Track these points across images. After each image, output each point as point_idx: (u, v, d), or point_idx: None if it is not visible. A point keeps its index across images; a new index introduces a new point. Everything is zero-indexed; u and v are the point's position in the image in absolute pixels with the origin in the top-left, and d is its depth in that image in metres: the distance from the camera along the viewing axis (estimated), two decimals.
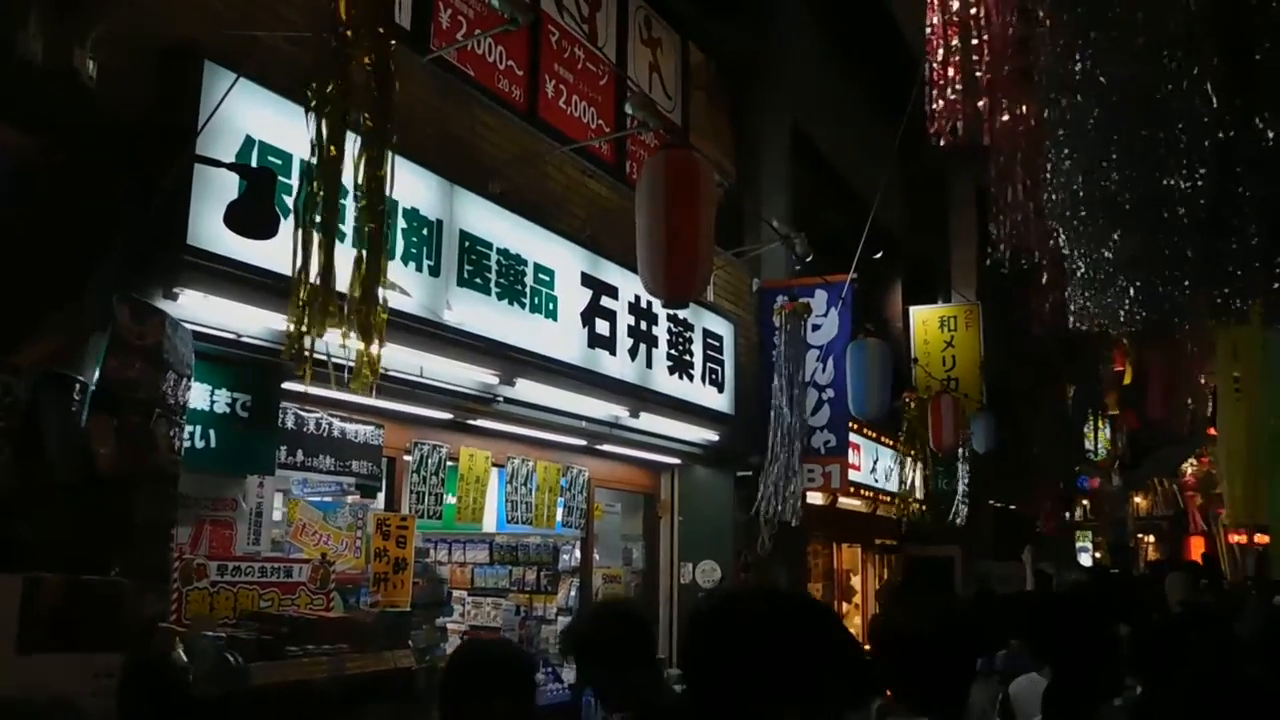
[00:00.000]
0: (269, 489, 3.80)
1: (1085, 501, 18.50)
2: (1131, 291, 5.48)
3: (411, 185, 3.94)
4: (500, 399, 4.60)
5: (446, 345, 4.07)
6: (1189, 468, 20.75)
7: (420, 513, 4.62)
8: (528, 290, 4.56)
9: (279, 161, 3.38)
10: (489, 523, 6.48)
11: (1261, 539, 13.01)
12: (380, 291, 2.61)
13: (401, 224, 3.87)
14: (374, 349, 2.59)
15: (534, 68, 5.24)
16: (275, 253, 3.26)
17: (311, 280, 2.49)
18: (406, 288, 3.86)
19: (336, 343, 2.69)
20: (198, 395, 3.40)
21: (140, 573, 2.31)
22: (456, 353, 4.15)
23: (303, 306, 2.46)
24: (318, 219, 2.56)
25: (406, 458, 4.60)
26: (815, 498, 8.13)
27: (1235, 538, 17.38)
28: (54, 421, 2.15)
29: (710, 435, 6.37)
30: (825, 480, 6.78)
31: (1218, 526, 18.12)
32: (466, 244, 4.20)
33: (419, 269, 3.94)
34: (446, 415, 4.63)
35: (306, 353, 2.54)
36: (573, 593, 6.36)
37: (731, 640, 1.30)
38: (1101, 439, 18.49)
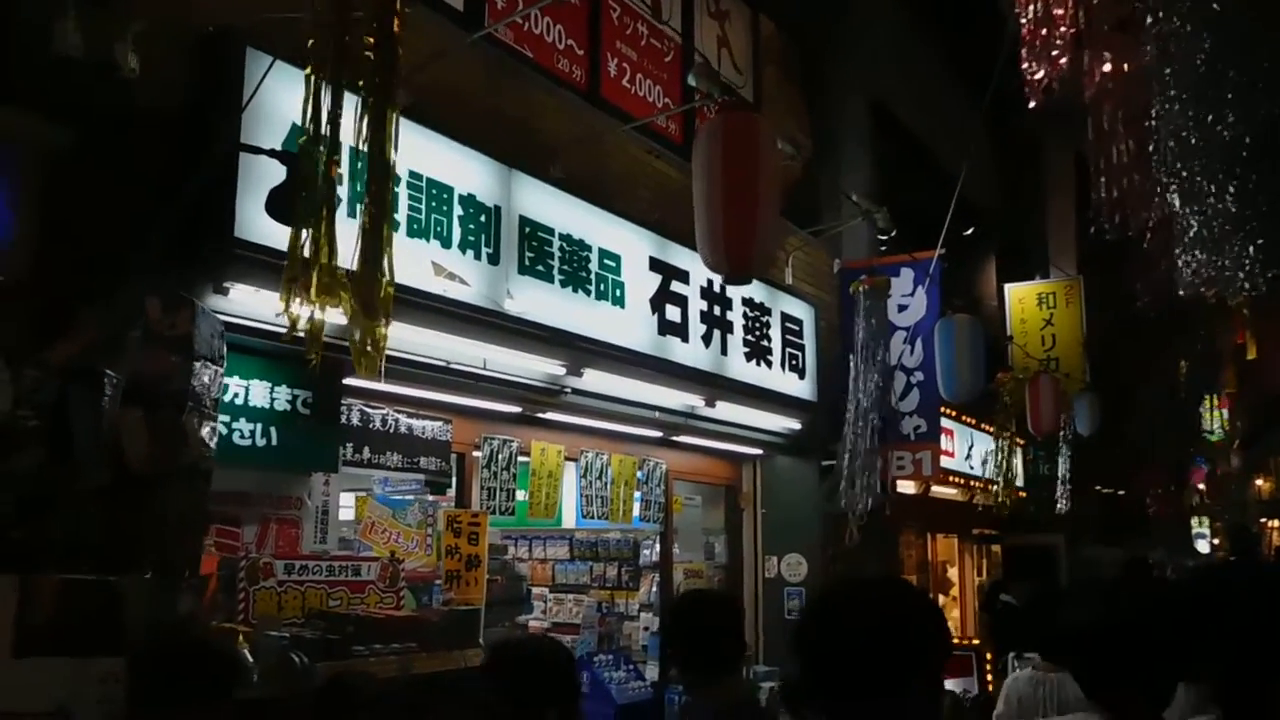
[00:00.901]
0: (335, 486, 3.67)
1: (1201, 485, 17.17)
2: (1251, 250, 4.89)
3: (467, 170, 3.74)
4: (568, 390, 4.37)
5: (509, 335, 3.86)
6: None
7: (491, 509, 4.45)
8: (593, 276, 4.31)
9: (323, 149, 3.22)
10: (568, 518, 6.31)
11: None
12: (385, 263, 2.37)
13: (458, 210, 3.68)
14: (379, 327, 2.35)
15: (595, 46, 4.98)
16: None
17: (306, 254, 2.26)
18: (465, 277, 3.67)
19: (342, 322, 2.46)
20: (258, 392, 3.29)
21: (171, 570, 2.17)
22: (520, 343, 3.93)
23: (291, 281, 2.24)
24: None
25: (476, 453, 4.43)
26: (907, 486, 7.66)
27: None
28: (85, 418, 2.03)
29: (792, 424, 6.01)
30: (916, 468, 6.32)
31: None
32: (526, 230, 3.98)
33: (477, 257, 3.74)
34: (515, 409, 4.44)
35: (301, 334, 2.32)
36: (654, 589, 6.12)
37: (857, 627, 1.26)
38: (1218, 417, 17.09)
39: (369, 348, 2.33)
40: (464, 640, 3.58)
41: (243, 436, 3.23)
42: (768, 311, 5.67)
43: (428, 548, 4.18)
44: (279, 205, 2.77)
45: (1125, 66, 6.16)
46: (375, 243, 2.34)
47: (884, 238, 6.07)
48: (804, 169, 6.65)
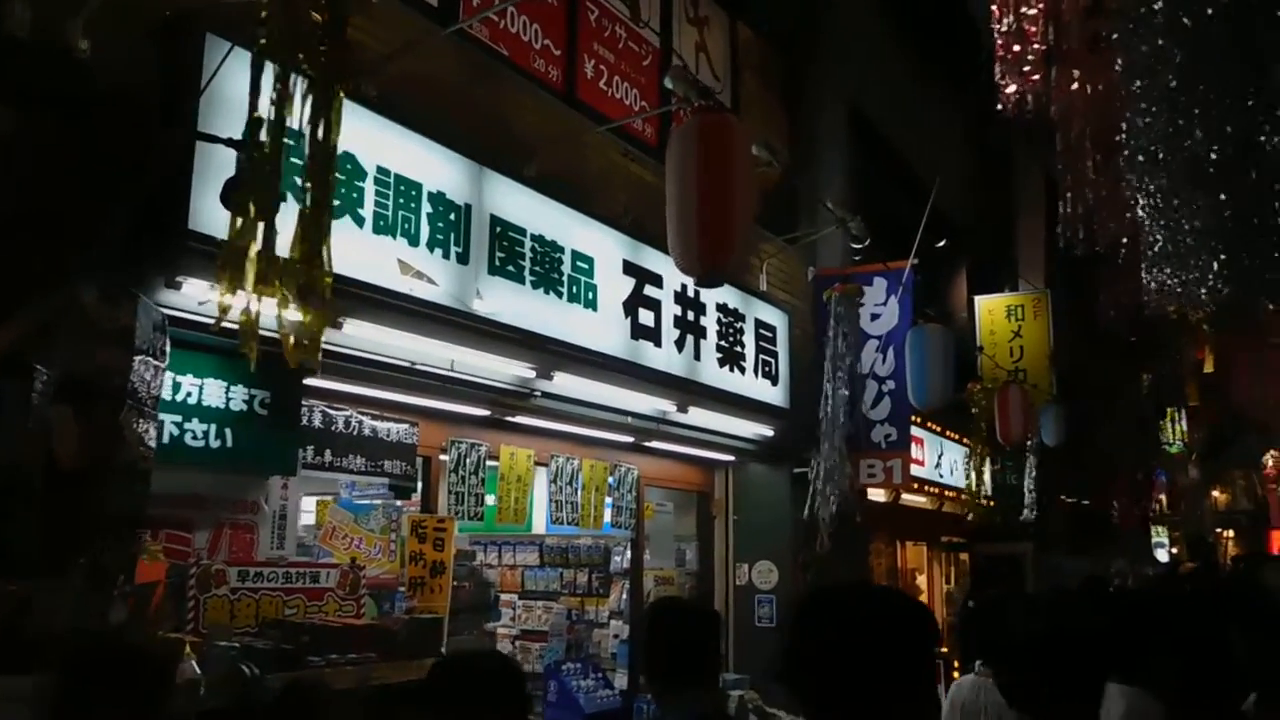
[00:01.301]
0: (294, 490, 3.52)
1: (1162, 496, 17.40)
2: (1215, 265, 4.90)
3: (437, 167, 3.62)
4: (538, 393, 4.26)
5: (478, 337, 3.74)
6: (1270, 459, 19.48)
7: (459, 514, 4.31)
8: (565, 278, 4.20)
9: (289, 142, 3.09)
10: (538, 524, 6.18)
11: None
12: (325, 251, 2.24)
13: (427, 208, 3.55)
14: (318, 318, 2.22)
15: (572, 47, 4.88)
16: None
17: (243, 241, 2.13)
18: (433, 276, 3.55)
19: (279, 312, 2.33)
20: (212, 391, 3.14)
21: (103, 576, 2.02)
22: (489, 345, 3.81)
23: (226, 269, 2.11)
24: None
25: (443, 457, 4.29)
26: (877, 494, 7.62)
27: None
28: (13, 413, 1.88)
29: (764, 430, 5.93)
30: (886, 475, 6.27)
31: None
32: (498, 229, 3.86)
33: (446, 256, 3.61)
34: (484, 412, 4.31)
35: (234, 324, 2.19)
36: (624, 596, 6.00)
37: (848, 633, 1.22)
38: (1178, 430, 17.33)
39: (306, 340, 2.19)
40: (426, 649, 3.44)
41: (195, 437, 3.08)
42: (741, 317, 5.59)
43: (391, 554, 4.05)
44: (234, 196, 2.64)
45: (1093, 87, 6.19)
46: (315, 231, 2.20)
47: (857, 246, 6.02)
48: (781, 176, 6.59)
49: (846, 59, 7.51)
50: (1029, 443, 9.27)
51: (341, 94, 2.25)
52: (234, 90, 2.84)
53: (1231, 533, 21.59)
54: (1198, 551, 17.73)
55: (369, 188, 3.33)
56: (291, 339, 2.21)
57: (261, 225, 2.11)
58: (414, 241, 3.49)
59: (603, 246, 4.45)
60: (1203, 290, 5.03)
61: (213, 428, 3.12)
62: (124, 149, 2.63)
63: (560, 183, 4.29)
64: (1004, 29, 5.99)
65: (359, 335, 3.39)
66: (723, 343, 5.37)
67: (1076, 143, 6.63)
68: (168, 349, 2.46)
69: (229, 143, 2.69)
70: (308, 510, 3.88)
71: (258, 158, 2.11)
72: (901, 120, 8.56)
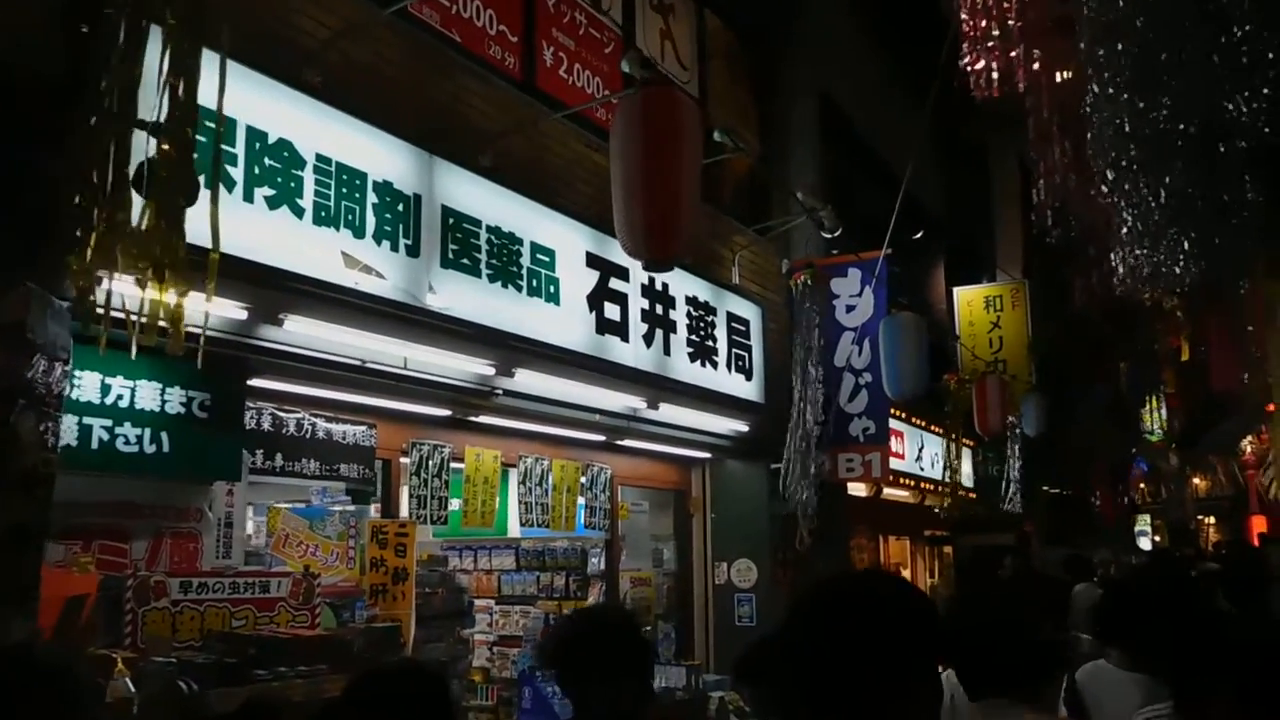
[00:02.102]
0: (240, 496, 3.33)
1: (1143, 484, 17.38)
2: (1185, 244, 4.77)
3: (383, 155, 3.44)
4: (499, 391, 4.08)
5: (431, 333, 3.57)
6: (1249, 445, 19.53)
7: (421, 518, 4.13)
8: (524, 272, 4.02)
9: (211, 125, 2.90)
10: (514, 527, 5.99)
11: None
12: (183, 224, 2.05)
13: (372, 198, 3.37)
14: (175, 295, 2.03)
15: (530, 33, 4.71)
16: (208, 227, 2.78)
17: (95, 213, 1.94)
18: (381, 269, 3.37)
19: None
20: (146, 394, 2.95)
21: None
22: (444, 341, 3.63)
23: (76, 244, 1.91)
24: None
25: (404, 459, 4.11)
26: (858, 489, 7.48)
27: None
28: None
29: (739, 426, 5.77)
30: (865, 469, 6.12)
31: None
32: (450, 221, 3.69)
33: (394, 248, 3.43)
34: (445, 412, 4.13)
35: (98, 305, 2.00)
36: (600, 599, 5.82)
37: (853, 622, 1.18)
38: (1158, 418, 17.32)
39: (160, 319, 1.99)
40: (383, 659, 3.24)
41: (128, 442, 2.89)
42: (713, 311, 5.43)
43: (350, 561, 3.85)
44: (148, 181, 2.46)
45: (1061, 74, 6.06)
46: (171, 198, 2.01)
47: (828, 236, 5.89)
48: (750, 167, 6.45)
49: (818, 50, 7.39)
50: (1009, 433, 9.16)
51: (201, 46, 2.04)
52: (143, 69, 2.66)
53: (1213, 519, 21.62)
54: (1180, 539, 17.73)
55: (308, 177, 3.15)
56: (152, 321, 1.99)
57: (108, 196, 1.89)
58: (359, 233, 3.31)
59: (565, 239, 4.28)
60: (1176, 268, 4.92)
61: (147, 432, 2.93)
62: (25, 132, 2.43)
63: (520, 173, 4.12)
64: (969, 6, 5.87)
65: (304, 332, 3.21)
66: (694, 337, 5.21)
67: (1046, 129, 6.52)
68: (70, 344, 2.27)
69: (138, 124, 2.51)
70: (262, 517, 3.68)
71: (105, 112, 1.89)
72: (875, 113, 8.44)
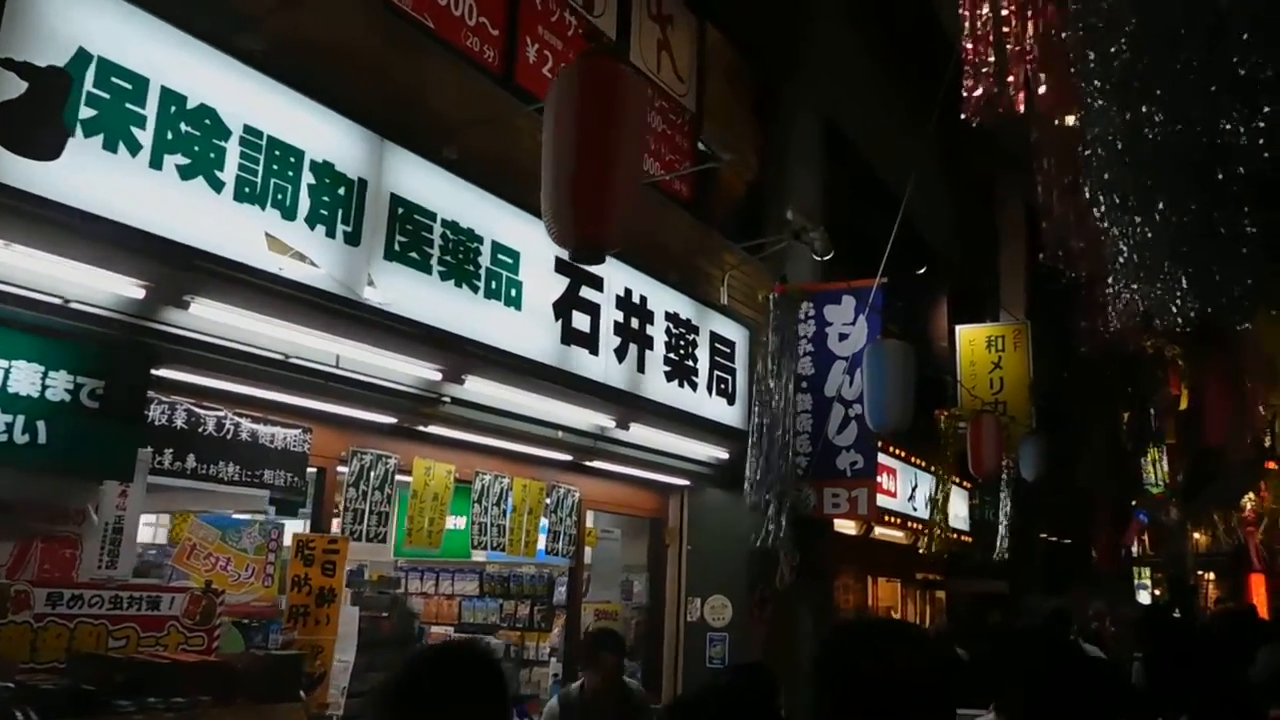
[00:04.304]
0: (135, 500, 2.89)
1: (1144, 536, 16.69)
2: (1184, 280, 4.35)
3: (326, 134, 3.06)
4: (447, 399, 3.65)
5: (367, 329, 3.15)
6: (1248, 502, 18.81)
7: (356, 534, 3.68)
8: (483, 272, 3.61)
9: (128, 86, 2.53)
10: (478, 551, 5.53)
11: None
12: None
13: (308, 178, 2.98)
14: None
15: (512, 27, 4.35)
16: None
17: None
18: (312, 256, 2.96)
19: None
20: (22, 377, 2.54)
21: None
22: (382, 339, 3.22)
23: None
24: None
25: (341, 469, 3.67)
26: (846, 526, 6.98)
27: None
28: None
29: (719, 453, 5.31)
30: (852, 505, 5.63)
31: None
32: (400, 210, 3.29)
33: (330, 234, 3.03)
34: (389, 418, 3.69)
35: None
36: (561, 631, 5.34)
37: (886, 669, 1.25)
38: (1160, 471, 16.66)
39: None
40: (279, 691, 2.78)
41: None
42: (695, 329, 5.00)
43: (267, 578, 3.40)
44: (11, 128, 2.08)
45: (1069, 118, 5.67)
46: None
47: (818, 259, 5.46)
48: (746, 185, 6.06)
49: (823, 71, 7.02)
50: (1004, 476, 8.64)
51: None
52: (58, 20, 2.29)
53: (1212, 575, 20.82)
54: (1179, 594, 16.98)
55: (232, 148, 2.76)
56: None
57: None
58: (289, 215, 2.91)
59: (532, 240, 3.86)
60: (1174, 304, 4.51)
61: (20, 420, 2.51)
62: None
63: (488, 168, 3.73)
64: (969, 30, 5.54)
65: (216, 319, 2.81)
66: (672, 355, 4.77)
67: (1050, 169, 6.17)
68: None
69: (3, 63, 2.13)
70: (149, 523, 3.25)
71: None
72: (880, 139, 8.05)
